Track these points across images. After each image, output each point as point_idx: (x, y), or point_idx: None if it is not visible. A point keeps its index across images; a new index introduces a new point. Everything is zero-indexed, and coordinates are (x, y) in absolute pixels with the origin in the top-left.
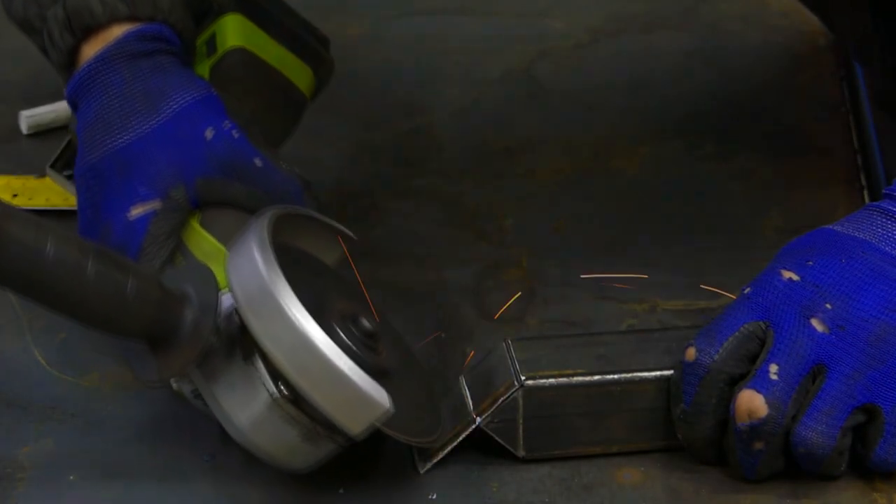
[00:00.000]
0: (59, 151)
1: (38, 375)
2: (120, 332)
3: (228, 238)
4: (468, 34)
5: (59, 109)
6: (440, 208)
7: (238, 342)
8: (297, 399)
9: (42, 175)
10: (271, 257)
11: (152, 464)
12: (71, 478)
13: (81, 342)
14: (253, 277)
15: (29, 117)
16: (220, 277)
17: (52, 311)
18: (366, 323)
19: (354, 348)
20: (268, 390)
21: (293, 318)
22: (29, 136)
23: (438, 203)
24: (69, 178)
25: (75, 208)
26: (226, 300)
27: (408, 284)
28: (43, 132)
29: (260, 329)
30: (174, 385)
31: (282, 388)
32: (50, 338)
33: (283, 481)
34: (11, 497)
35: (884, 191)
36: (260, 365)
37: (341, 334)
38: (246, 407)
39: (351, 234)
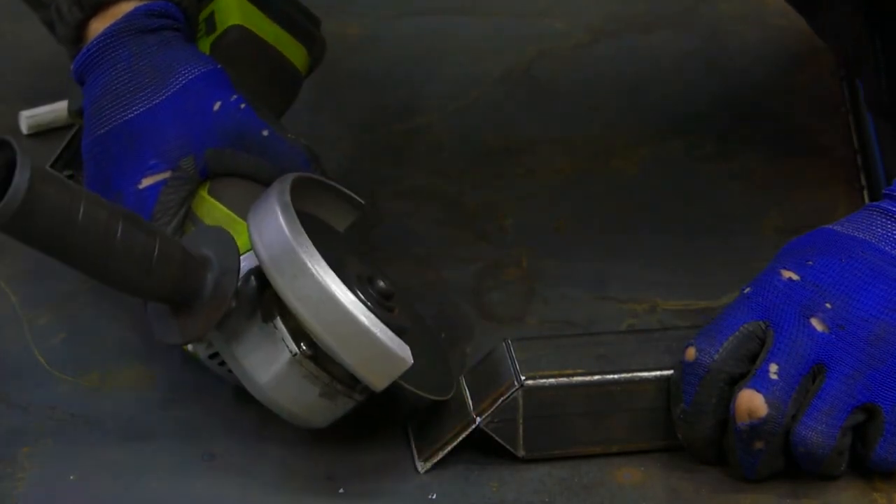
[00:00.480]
0: (59, 151)
1: (38, 375)
2: (144, 294)
3: (238, 207)
4: (468, 34)
5: (58, 109)
6: (440, 208)
7: (256, 303)
8: (317, 357)
9: None
10: (295, 218)
11: (152, 463)
12: (71, 478)
13: (81, 342)
14: (278, 237)
15: (29, 117)
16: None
17: (80, 272)
18: (382, 283)
19: (373, 307)
20: (289, 349)
21: (319, 275)
22: (29, 136)
23: (438, 203)
24: (70, 178)
25: None
26: (242, 262)
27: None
28: (43, 132)
29: (286, 288)
30: (189, 347)
31: (302, 346)
32: (50, 338)
33: (282, 481)
34: (11, 497)
35: (884, 191)
36: (281, 324)
37: (360, 293)
38: (267, 366)
39: (361, 200)
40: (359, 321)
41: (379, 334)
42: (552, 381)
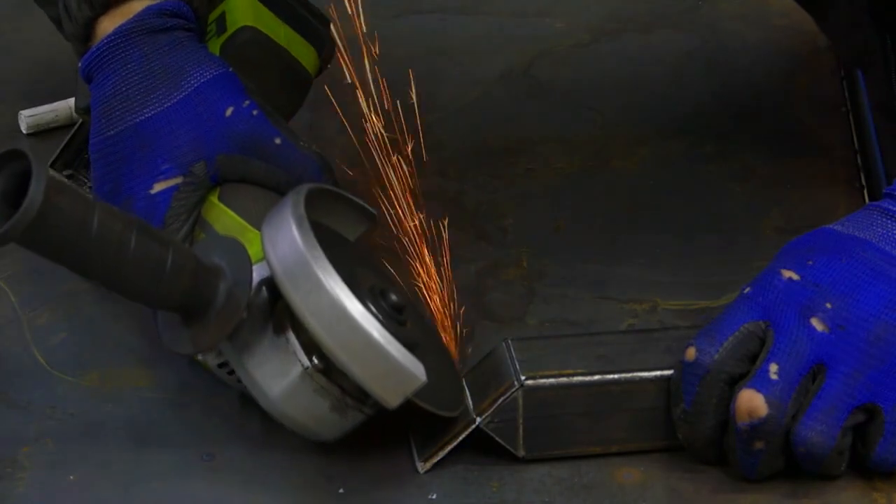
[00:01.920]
0: (59, 151)
1: (38, 375)
2: (156, 303)
3: (248, 214)
4: (468, 34)
5: (58, 109)
6: (440, 208)
7: (268, 315)
8: (328, 370)
9: None
10: (309, 232)
11: (152, 464)
12: (71, 478)
13: (81, 342)
14: (292, 251)
15: (29, 117)
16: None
17: (94, 282)
18: (394, 297)
19: (386, 322)
20: (301, 362)
21: (334, 291)
22: (29, 135)
23: (438, 203)
24: (70, 177)
25: None
26: (254, 273)
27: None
28: (43, 132)
29: (299, 302)
30: (199, 356)
31: (314, 359)
32: (50, 338)
33: (282, 481)
34: (11, 497)
35: (884, 190)
36: (293, 337)
37: (373, 308)
38: (278, 378)
39: (372, 210)
40: (373, 339)
41: (394, 352)
42: (552, 381)
